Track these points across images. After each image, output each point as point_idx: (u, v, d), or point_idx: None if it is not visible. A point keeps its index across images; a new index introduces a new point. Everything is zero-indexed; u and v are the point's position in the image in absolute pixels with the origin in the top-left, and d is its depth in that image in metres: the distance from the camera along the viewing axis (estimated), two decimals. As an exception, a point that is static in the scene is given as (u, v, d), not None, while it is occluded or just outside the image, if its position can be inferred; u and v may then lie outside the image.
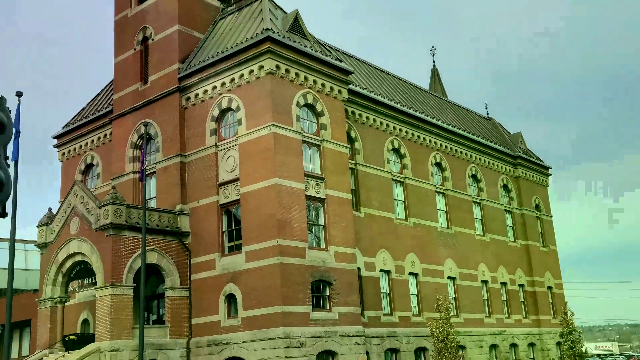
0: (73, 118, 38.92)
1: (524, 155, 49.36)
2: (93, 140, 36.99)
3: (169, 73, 32.15)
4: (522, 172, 49.10)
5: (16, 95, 20.99)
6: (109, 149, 35.43)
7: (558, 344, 45.36)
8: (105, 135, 36.23)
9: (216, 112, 30.22)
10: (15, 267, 20.90)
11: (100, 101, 38.09)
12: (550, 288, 48.97)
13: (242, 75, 29.21)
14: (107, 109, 35.80)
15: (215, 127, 30.31)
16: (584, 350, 40.55)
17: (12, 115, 8.21)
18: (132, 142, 33.52)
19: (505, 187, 47.50)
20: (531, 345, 45.00)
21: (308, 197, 28.71)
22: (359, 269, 31.30)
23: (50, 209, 31.15)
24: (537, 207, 50.28)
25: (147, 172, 32.16)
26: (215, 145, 30.00)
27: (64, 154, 38.77)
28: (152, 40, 33.55)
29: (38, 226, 31.27)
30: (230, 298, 28.08)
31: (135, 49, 34.41)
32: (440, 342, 27.53)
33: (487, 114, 53.83)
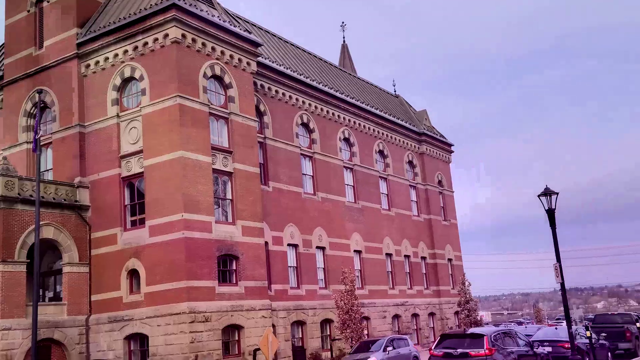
0: (-41, 83, 35.93)
1: (428, 133, 50.99)
2: (-18, 108, 34.39)
3: (67, 38, 30.34)
4: (427, 149, 50.77)
5: None
6: (1, 116, 33.10)
7: (456, 313, 47.74)
8: (-4, 102, 33.79)
9: (118, 81, 28.92)
10: None
11: (-10, 65, 35.41)
12: (450, 260, 51.32)
13: (146, 43, 28.05)
14: (-2, 74, 33.36)
15: (118, 96, 29.02)
16: (479, 318, 42.93)
17: None
18: (25, 110, 31.50)
19: (410, 163, 48.95)
20: (431, 314, 47.10)
21: (215, 171, 28.24)
22: (266, 243, 31.31)
23: None
24: (439, 182, 52.27)
25: (42, 143, 30.41)
26: (118, 115, 28.76)
27: (-52, 121, 35.79)
28: (48, 2, 31.52)
29: None
30: (133, 273, 27.30)
31: (28, 11, 32.19)
32: (345, 314, 28.18)
33: (395, 90, 55.02)
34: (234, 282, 28.05)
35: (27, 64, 31.65)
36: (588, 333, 22.79)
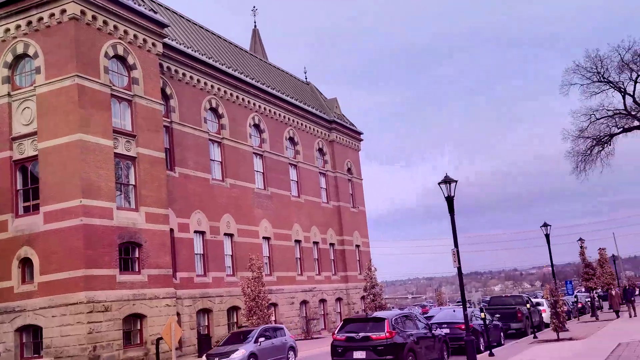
0: None
1: (338, 120, 51.54)
2: None
3: (-49, 8, 27.97)
4: (337, 137, 51.33)
5: None
6: None
7: (362, 297, 48.83)
8: None
9: (10, 58, 27.07)
10: None
11: None
12: (358, 246, 52.34)
13: (41, 18, 26.38)
14: None
15: (9, 74, 27.18)
16: (383, 302, 44.09)
17: None
18: None
19: (320, 150, 49.31)
20: (339, 299, 47.93)
21: (117, 155, 27.13)
22: (172, 230, 30.55)
23: None
24: (349, 170, 53.06)
25: None
26: (9, 94, 26.95)
27: None
28: None
29: None
30: (26, 262, 25.80)
31: None
32: (252, 301, 28.03)
33: (306, 78, 55.13)
34: (137, 270, 27.17)
35: None
36: (483, 315, 23.95)
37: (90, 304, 24.30)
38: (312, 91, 53.86)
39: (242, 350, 22.75)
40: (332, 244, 48.56)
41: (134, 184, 27.91)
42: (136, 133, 28.21)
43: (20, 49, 26.88)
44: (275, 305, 38.71)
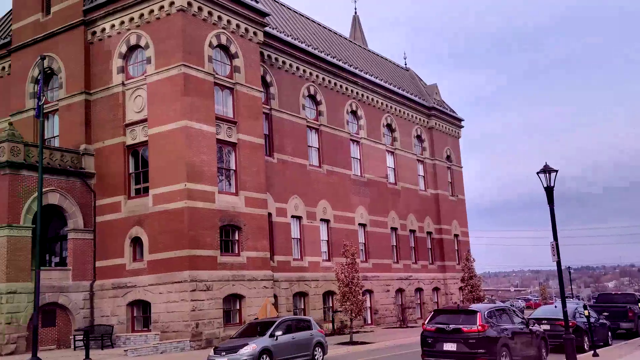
0: (-32, 48, 36.00)
1: (438, 107, 50.53)
2: (-10, 73, 34.49)
3: (73, 4, 30.21)
4: (436, 123, 50.37)
5: None
6: (8, 82, 33.23)
7: (460, 288, 47.88)
8: (4, 68, 33.89)
9: (124, 49, 28.83)
10: None
11: (-1, 31, 35.42)
12: (456, 236, 51.28)
13: (152, 11, 27.86)
14: (5, 40, 33.37)
15: (123, 64, 28.97)
16: (482, 295, 43.02)
17: None
18: (32, 76, 31.56)
19: (418, 137, 48.64)
20: (436, 289, 47.30)
21: (219, 141, 28.23)
22: (270, 214, 31.42)
23: (-60, 145, 29.01)
24: (448, 157, 51.98)
25: (50, 110, 30.56)
26: (123, 83, 28.75)
27: (-43, 86, 35.98)
28: (55, -33, 31.25)
29: None
30: (136, 241, 27.57)
31: (36, -24, 31.98)
32: (345, 286, 28.30)
33: (405, 64, 54.42)
34: (236, 252, 28.25)
35: (34, 30, 31.60)
36: (586, 312, 22.75)
37: (193, 282, 25.59)
38: (411, 77, 53.13)
39: (253, 346, 18.99)
40: (429, 233, 47.91)
41: (234, 169, 28.95)
42: (237, 120, 29.20)
43: (133, 41, 28.55)
44: (370, 292, 38.88)
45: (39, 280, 20.26)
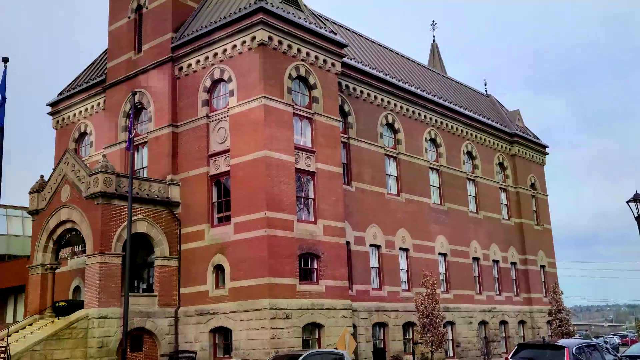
0: (68, 86, 38.75)
1: (520, 134, 49.14)
2: (87, 109, 36.85)
3: (162, 42, 31.89)
4: (519, 150, 48.94)
5: (2, 61, 20.84)
6: (103, 117, 35.33)
7: (548, 322, 45.69)
8: (99, 103, 36.11)
9: (208, 83, 30.05)
10: None
11: (95, 69, 37.87)
12: (542, 267, 49.17)
13: (235, 46, 28.96)
14: (101, 78, 35.64)
15: (207, 97, 30.17)
16: (571, 329, 40.87)
17: None
18: (124, 111, 33.41)
19: (500, 164, 47.38)
20: (521, 322, 45.36)
21: (298, 170, 28.68)
22: (348, 242, 31.41)
23: (42, 176, 31.18)
24: (532, 185, 50.23)
25: (139, 142, 32.21)
26: (207, 116, 29.90)
27: (58, 121, 38.69)
28: (147, 8, 33.22)
29: (30, 193, 31.34)
30: (219, 268, 28.27)
31: (129, 17, 34.10)
32: (425, 317, 27.74)
33: (486, 90, 53.47)
34: (315, 280, 28.36)
35: (127, 68, 33.55)
36: (689, 351, 21.08)
37: (273, 310, 25.85)
38: (492, 103, 52.09)
39: None
40: (513, 263, 46.20)
41: (313, 197, 29.26)
42: (316, 149, 29.60)
43: (217, 75, 29.74)
44: (452, 323, 37.83)
45: (127, 306, 21.22)
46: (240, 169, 27.90)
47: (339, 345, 22.93)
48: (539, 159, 52.14)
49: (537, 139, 52.10)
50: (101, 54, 38.52)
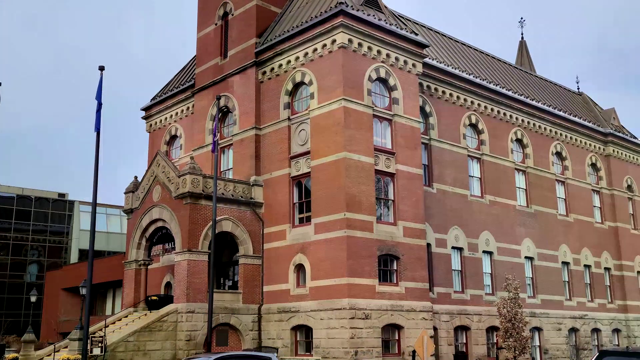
0: (160, 91, 40.83)
1: (616, 133, 46.63)
2: (177, 113, 38.68)
3: (247, 47, 32.95)
4: (614, 150, 46.46)
5: (99, 70, 22.38)
6: (192, 120, 36.96)
7: (646, 331, 43.17)
8: (189, 107, 37.79)
9: (290, 86, 30.75)
10: (97, 229, 22.57)
11: (185, 74, 39.67)
12: (640, 273, 46.45)
13: (316, 49, 29.47)
14: (190, 83, 37.28)
15: (289, 100, 30.87)
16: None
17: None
18: (211, 114, 34.78)
19: (593, 165, 45.19)
20: (616, 331, 43.08)
21: (377, 172, 28.77)
22: (429, 244, 31.13)
23: (135, 177, 33.06)
24: (629, 187, 47.54)
25: (225, 144, 33.47)
26: (289, 118, 30.60)
27: (151, 125, 40.84)
28: (232, 15, 34.43)
29: (125, 193, 33.32)
30: (300, 268, 28.85)
31: (216, 24, 35.47)
32: (508, 322, 27.03)
33: (578, 88, 51.16)
34: (395, 282, 28.33)
35: (214, 72, 34.94)
36: None
37: (352, 310, 26.10)
38: (584, 102, 49.77)
39: None
40: (607, 269, 43.93)
41: (392, 199, 29.24)
42: (395, 150, 29.56)
43: (298, 78, 30.38)
44: (539, 329, 36.56)
45: (211, 302, 22.14)
46: (321, 170, 28.36)
47: (416, 347, 22.82)
48: (637, 159, 49.25)
49: (635, 138, 49.23)
50: (190, 60, 40.28)
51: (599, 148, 45.79)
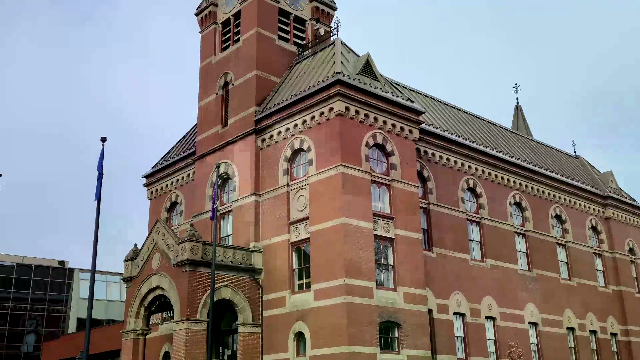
0: (161, 159, 41.39)
1: (614, 196, 46.80)
2: (178, 180, 39.06)
3: (247, 116, 33.66)
4: (613, 213, 46.48)
5: (101, 141, 22.84)
6: (192, 188, 37.27)
7: (658, 399, 41.86)
8: (189, 175, 38.19)
9: (289, 153, 31.21)
10: (96, 297, 22.40)
11: (186, 142, 40.32)
12: (648, 338, 45.45)
13: (314, 117, 30.11)
14: (191, 150, 37.85)
15: (288, 167, 31.26)
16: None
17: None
18: (211, 181, 35.09)
19: (594, 228, 45.12)
20: (627, 399, 41.81)
21: (377, 237, 28.77)
22: (430, 310, 30.72)
23: (135, 245, 33.05)
24: (630, 250, 47.27)
25: (225, 211, 33.64)
26: (288, 184, 30.89)
27: (152, 192, 41.15)
28: (233, 85, 35.35)
29: (124, 261, 33.22)
30: (299, 336, 28.39)
31: (217, 94, 36.35)
32: (513, 390, 26.37)
33: (575, 152, 51.76)
34: (396, 349, 27.81)
35: (214, 140, 35.52)
36: None
37: (352, 379, 25.48)
38: (582, 165, 50.25)
39: None
40: (613, 334, 43.08)
41: (392, 264, 29.11)
42: (394, 215, 29.67)
43: (297, 145, 30.89)
44: (546, 398, 35.53)
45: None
46: (320, 236, 28.38)
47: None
48: (637, 222, 49.20)
49: (634, 200, 49.39)
50: (191, 129, 41.03)
51: (599, 211, 45.85)
